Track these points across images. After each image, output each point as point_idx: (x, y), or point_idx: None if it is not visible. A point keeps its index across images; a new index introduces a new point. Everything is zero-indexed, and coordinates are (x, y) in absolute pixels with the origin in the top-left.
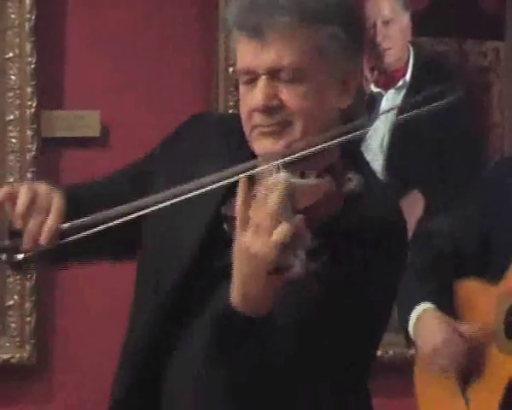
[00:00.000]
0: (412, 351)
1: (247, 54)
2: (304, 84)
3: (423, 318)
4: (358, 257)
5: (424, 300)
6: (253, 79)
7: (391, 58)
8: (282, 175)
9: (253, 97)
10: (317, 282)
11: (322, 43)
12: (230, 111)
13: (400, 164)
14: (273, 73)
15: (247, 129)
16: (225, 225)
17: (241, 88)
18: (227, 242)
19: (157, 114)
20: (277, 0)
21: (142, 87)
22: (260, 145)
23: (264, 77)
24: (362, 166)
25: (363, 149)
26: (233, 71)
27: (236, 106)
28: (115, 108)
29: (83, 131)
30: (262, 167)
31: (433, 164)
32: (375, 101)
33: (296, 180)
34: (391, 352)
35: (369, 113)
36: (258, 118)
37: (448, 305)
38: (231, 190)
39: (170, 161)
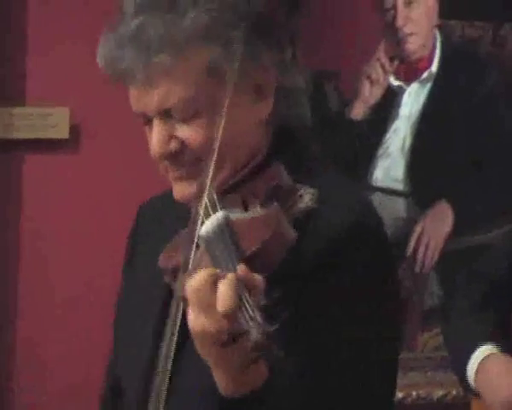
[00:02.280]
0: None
1: (133, 98)
2: (202, 114)
3: (488, 365)
4: (329, 290)
5: (485, 341)
6: (149, 119)
7: (414, 45)
8: (213, 219)
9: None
10: (279, 347)
11: (214, 64)
12: None
13: (425, 170)
14: (165, 114)
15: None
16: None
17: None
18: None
19: None
20: (145, 39)
21: None
22: (176, 191)
23: (156, 119)
24: (318, 175)
25: (380, 153)
26: None
27: None
28: (87, 105)
29: (49, 133)
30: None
31: (465, 168)
32: (395, 96)
33: (238, 215)
34: (414, 393)
35: (389, 110)
36: (164, 165)
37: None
38: None
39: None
